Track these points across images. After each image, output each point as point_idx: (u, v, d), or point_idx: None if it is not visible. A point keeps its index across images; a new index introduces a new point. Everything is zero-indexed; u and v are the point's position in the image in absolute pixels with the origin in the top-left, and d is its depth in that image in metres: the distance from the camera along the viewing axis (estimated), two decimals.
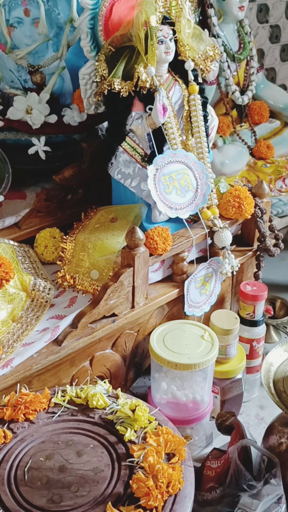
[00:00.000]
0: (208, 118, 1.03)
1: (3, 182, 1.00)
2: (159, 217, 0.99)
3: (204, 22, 1.30)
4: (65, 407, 0.75)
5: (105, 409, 0.75)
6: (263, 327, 1.06)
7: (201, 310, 1.04)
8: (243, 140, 1.46)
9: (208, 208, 1.02)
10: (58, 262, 0.99)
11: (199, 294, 1.02)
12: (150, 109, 0.94)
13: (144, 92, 0.95)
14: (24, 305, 0.89)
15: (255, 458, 0.76)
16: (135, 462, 0.66)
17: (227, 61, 1.37)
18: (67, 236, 1.02)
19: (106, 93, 0.95)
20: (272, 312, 1.22)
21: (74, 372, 0.88)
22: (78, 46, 1.02)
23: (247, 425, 1.00)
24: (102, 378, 0.90)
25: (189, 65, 0.98)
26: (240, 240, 1.14)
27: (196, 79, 1.00)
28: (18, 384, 0.78)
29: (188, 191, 0.98)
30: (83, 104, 1.02)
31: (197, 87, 0.99)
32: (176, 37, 0.96)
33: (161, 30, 0.93)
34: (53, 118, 1.06)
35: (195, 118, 1.00)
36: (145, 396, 0.97)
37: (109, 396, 0.77)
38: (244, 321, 1.04)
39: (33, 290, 0.91)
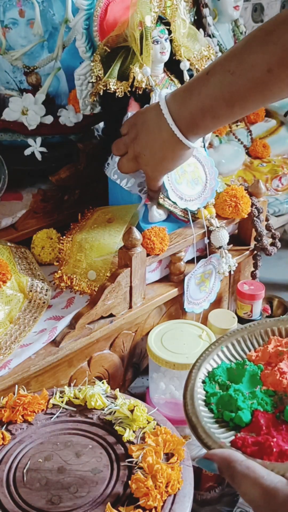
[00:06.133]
0: None
1: None
2: (156, 217, 0.99)
3: (199, 22, 1.30)
4: (63, 408, 0.75)
5: (103, 410, 0.75)
6: None
7: (201, 307, 1.04)
8: (239, 140, 1.46)
9: (204, 207, 1.03)
10: (55, 263, 0.99)
11: (199, 291, 1.02)
12: None
13: (140, 92, 0.95)
14: (22, 306, 0.89)
15: None
16: (134, 462, 0.66)
17: None
18: (64, 237, 1.01)
19: (101, 94, 0.95)
20: (269, 311, 1.22)
21: (72, 373, 0.88)
22: (74, 46, 1.02)
23: None
24: (100, 378, 0.90)
25: (184, 65, 0.98)
26: (237, 240, 1.14)
27: None
28: (16, 386, 0.78)
29: (197, 184, 0.98)
30: (78, 104, 1.02)
31: None
32: (171, 37, 0.96)
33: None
34: (49, 119, 1.06)
35: None
36: (143, 396, 0.97)
37: (107, 396, 0.77)
38: (241, 320, 1.04)
39: (31, 291, 0.91)
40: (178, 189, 0.97)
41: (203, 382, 0.67)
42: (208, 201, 1.01)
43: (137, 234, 0.88)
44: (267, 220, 1.15)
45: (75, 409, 0.75)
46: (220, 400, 0.63)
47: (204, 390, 0.66)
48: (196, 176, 0.99)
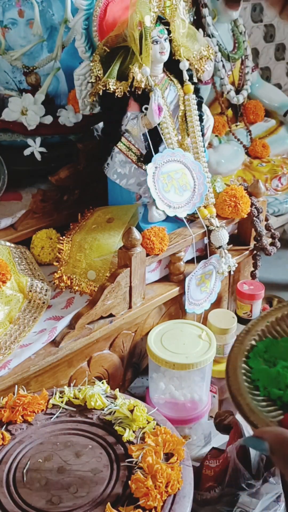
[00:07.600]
0: (203, 117, 1.03)
1: None
2: (155, 217, 0.99)
3: (198, 22, 1.30)
4: (63, 408, 0.75)
5: (103, 410, 0.75)
6: None
7: (202, 307, 1.04)
8: (238, 140, 1.46)
9: (205, 207, 1.03)
10: (55, 263, 0.99)
11: (200, 292, 1.02)
12: (146, 109, 0.94)
13: (139, 92, 0.95)
14: (21, 307, 0.89)
15: (253, 457, 0.76)
16: (133, 462, 0.66)
17: (222, 60, 1.38)
18: (64, 237, 1.01)
19: (101, 94, 0.95)
20: None
21: (72, 373, 0.88)
22: (73, 46, 1.02)
23: (245, 424, 1.00)
24: (100, 378, 0.90)
25: (183, 65, 0.98)
26: (237, 239, 1.14)
27: (191, 79, 1.00)
28: (16, 386, 0.77)
29: (186, 190, 0.98)
30: (78, 104, 1.02)
31: (192, 87, 1.00)
32: (170, 37, 0.96)
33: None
34: (48, 119, 1.06)
35: (190, 117, 1.00)
36: (143, 396, 0.97)
37: (107, 396, 0.77)
38: (241, 320, 1.04)
39: (30, 291, 0.91)
40: (166, 197, 0.96)
41: (247, 357, 0.60)
42: (197, 206, 1.00)
43: (136, 234, 0.88)
44: (266, 220, 1.15)
45: (75, 409, 0.75)
46: (267, 376, 0.57)
47: (248, 366, 0.60)
48: (184, 183, 0.98)
